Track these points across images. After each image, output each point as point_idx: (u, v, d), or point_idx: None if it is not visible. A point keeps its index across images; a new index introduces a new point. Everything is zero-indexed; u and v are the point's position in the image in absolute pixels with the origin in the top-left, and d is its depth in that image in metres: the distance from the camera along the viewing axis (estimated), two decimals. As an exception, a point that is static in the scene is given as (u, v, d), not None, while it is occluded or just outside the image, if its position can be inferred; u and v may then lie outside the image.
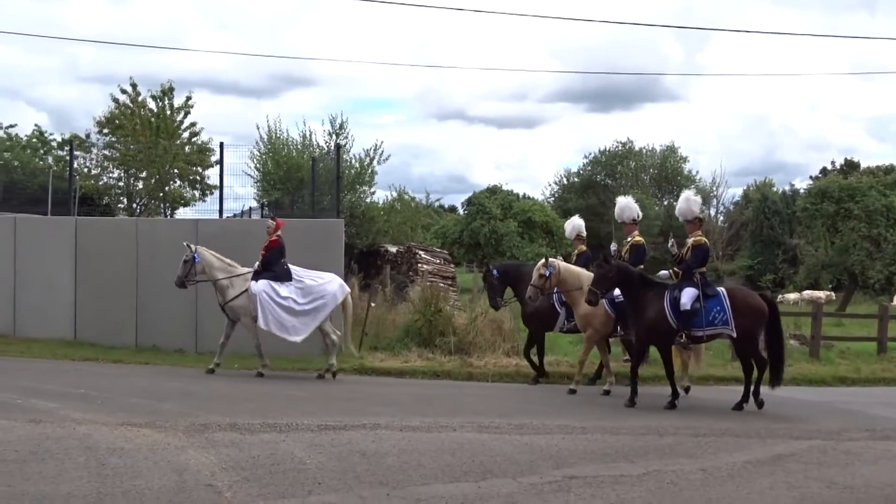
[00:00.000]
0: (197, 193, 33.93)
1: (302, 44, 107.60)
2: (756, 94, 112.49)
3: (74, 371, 12.41)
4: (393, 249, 26.10)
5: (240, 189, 29.54)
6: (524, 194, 73.96)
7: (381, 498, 6.40)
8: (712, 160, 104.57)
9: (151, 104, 32.63)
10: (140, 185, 32.88)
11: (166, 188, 31.59)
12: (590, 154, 79.47)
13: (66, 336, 14.90)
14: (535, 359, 13.29)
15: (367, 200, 28.54)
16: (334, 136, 27.28)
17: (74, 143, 27.59)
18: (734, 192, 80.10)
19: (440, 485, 6.83)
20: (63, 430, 8.19)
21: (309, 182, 20.14)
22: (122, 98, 33.04)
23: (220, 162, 17.27)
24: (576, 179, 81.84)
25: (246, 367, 13.64)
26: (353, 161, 27.28)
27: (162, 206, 31.98)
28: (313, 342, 14.31)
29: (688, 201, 11.91)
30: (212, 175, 30.37)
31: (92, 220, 17.71)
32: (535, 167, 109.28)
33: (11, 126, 39.80)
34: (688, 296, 11.05)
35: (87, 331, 15.11)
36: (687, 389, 12.13)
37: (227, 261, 13.24)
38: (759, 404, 11.18)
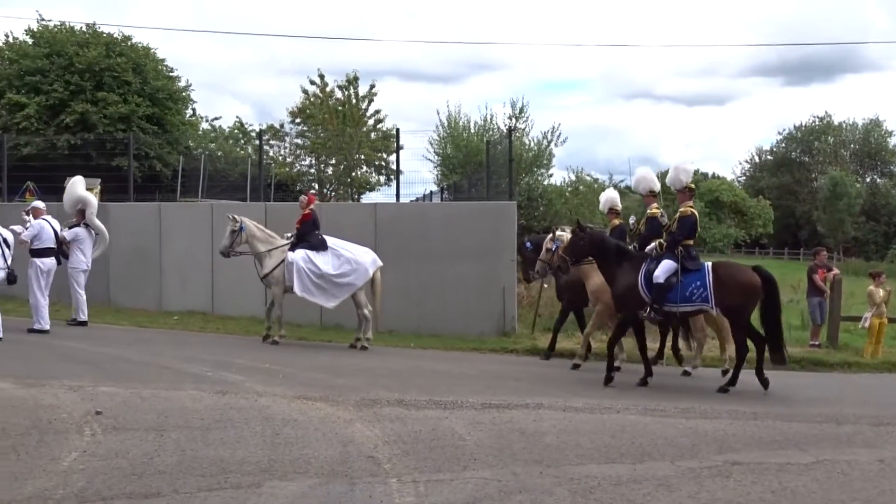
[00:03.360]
0: (382, 179, 35.12)
1: (487, 29, 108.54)
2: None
3: (262, 347, 13.19)
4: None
5: (427, 174, 30.38)
6: (713, 174, 71.47)
7: (534, 475, 6.47)
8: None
9: (339, 94, 33.98)
10: (329, 171, 34.41)
11: (353, 174, 32.85)
12: (784, 130, 75.39)
13: (257, 314, 15.82)
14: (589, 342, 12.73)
15: (545, 183, 28.55)
16: (513, 120, 27.41)
17: (267, 133, 29.21)
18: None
19: (595, 465, 6.82)
20: (245, 402, 8.78)
21: (486, 165, 20.37)
22: (312, 89, 34.61)
23: (397, 147, 17.78)
24: (769, 157, 78.06)
25: (421, 345, 14.07)
26: (532, 144, 27.34)
27: (349, 191, 33.30)
28: (481, 326, 14.60)
29: (677, 170, 11.32)
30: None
31: (279, 206, 18.75)
32: (725, 145, 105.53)
33: (216, 119, 42.69)
34: (663, 269, 10.53)
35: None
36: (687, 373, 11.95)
37: (269, 232, 13.88)
38: (764, 384, 10.57)
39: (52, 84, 31.91)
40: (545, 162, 28.24)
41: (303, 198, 14.20)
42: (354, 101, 34.24)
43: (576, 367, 11.99)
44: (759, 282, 10.63)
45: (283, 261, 13.41)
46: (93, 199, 15.03)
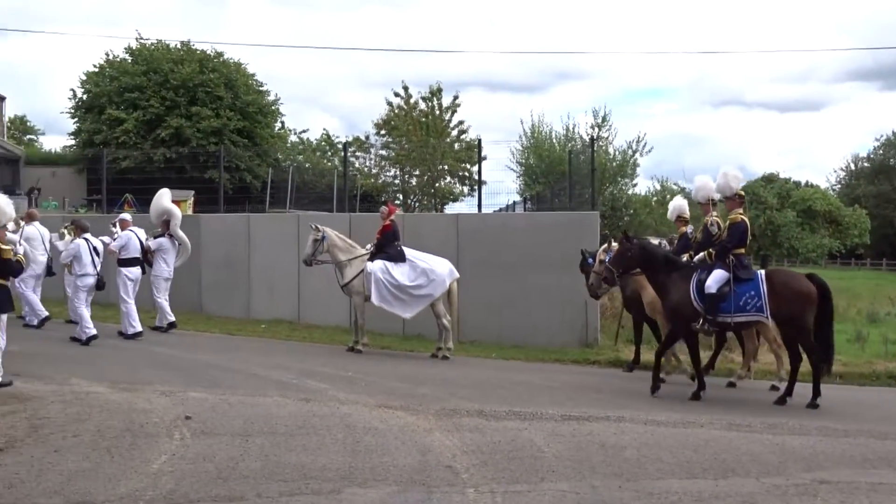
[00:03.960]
0: (466, 189, 35.26)
1: (572, 38, 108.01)
2: None
3: (346, 355, 13.39)
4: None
5: (510, 184, 30.40)
6: (806, 182, 69.39)
7: (612, 489, 6.41)
8: None
9: (422, 105, 34.32)
10: (413, 181, 34.74)
11: (437, 184, 33.08)
12: (882, 136, 72.71)
13: (341, 323, 16.09)
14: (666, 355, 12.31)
15: (629, 192, 28.23)
16: (596, 129, 27.22)
17: (353, 145, 29.65)
18: None
19: (676, 480, 6.71)
20: (328, 409, 8.94)
21: (569, 175, 20.30)
22: (396, 101, 35.05)
23: (479, 157, 17.85)
24: (865, 164, 75.44)
25: (503, 356, 14.07)
26: (615, 153, 27.10)
27: (433, 201, 33.54)
28: (564, 337, 14.55)
29: (726, 177, 10.91)
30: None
31: (363, 216, 19.01)
32: (819, 153, 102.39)
33: (304, 131, 43.69)
34: (715, 279, 10.23)
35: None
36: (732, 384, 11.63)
37: (350, 242, 14.08)
38: (815, 394, 10.16)
39: (148, 100, 33.16)
40: (629, 171, 27.91)
41: (383, 209, 14.39)
42: (438, 112, 34.53)
43: (655, 388, 11.78)
44: (814, 290, 10.33)
45: (362, 270, 13.61)
46: (177, 211, 15.54)
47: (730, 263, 10.41)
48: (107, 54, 36.62)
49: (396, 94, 35.21)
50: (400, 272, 13.45)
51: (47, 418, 8.13)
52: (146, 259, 14.82)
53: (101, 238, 14.16)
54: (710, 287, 10.28)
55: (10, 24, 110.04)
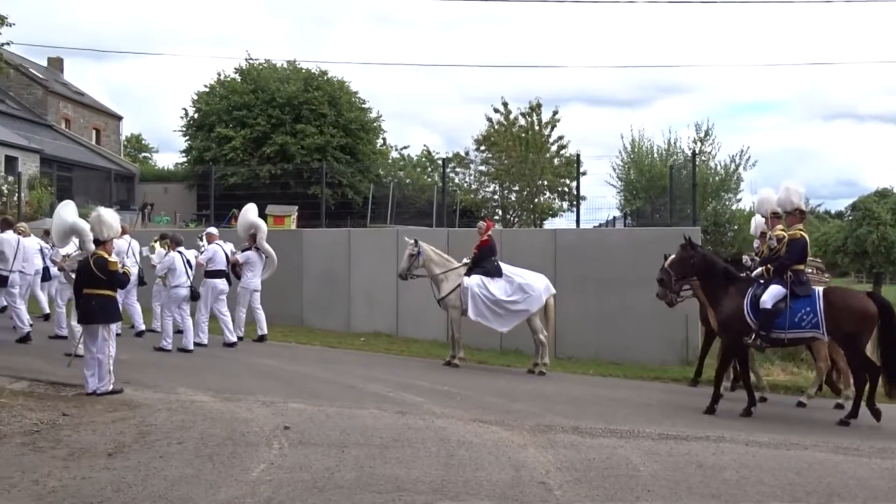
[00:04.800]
0: (565, 204, 35.03)
1: (675, 51, 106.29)
2: None
3: (442, 369, 13.46)
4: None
5: (611, 199, 30.13)
6: (922, 197, 66.13)
7: (709, 511, 6.25)
8: None
9: (522, 121, 34.30)
10: (513, 197, 34.73)
11: (536, 200, 32.98)
12: None
13: (439, 337, 16.19)
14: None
15: (733, 207, 27.55)
16: (698, 143, 26.70)
17: (452, 161, 29.86)
18: None
19: (777, 503, 6.49)
20: (423, 422, 9.00)
21: (669, 190, 19.95)
22: (496, 117, 35.14)
23: (577, 172, 17.71)
24: None
25: (600, 372, 13.90)
26: (718, 168, 26.52)
27: (532, 216, 33.45)
28: (663, 354, 14.30)
29: (788, 191, 10.63)
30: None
31: (461, 231, 19.11)
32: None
33: (405, 147, 44.25)
34: (771, 294, 9.93)
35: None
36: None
37: (446, 256, 14.14)
38: (876, 415, 9.78)
39: (255, 118, 34.20)
40: (732, 186, 27.26)
41: (481, 224, 14.45)
42: (537, 127, 34.45)
43: (763, 399, 11.44)
44: (874, 308, 10.00)
45: (459, 285, 13.68)
46: (263, 225, 15.95)
47: (787, 279, 10.21)
48: (218, 74, 38.04)
49: (496, 110, 35.32)
50: (496, 287, 13.47)
51: (154, 425, 8.44)
52: (234, 272, 15.30)
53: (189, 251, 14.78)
54: (766, 302, 10.13)
55: (127, 47, 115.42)
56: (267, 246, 15.76)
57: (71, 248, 12.82)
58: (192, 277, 14.19)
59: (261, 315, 15.71)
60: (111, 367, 10.07)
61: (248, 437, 8.07)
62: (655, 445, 8.35)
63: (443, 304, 14.02)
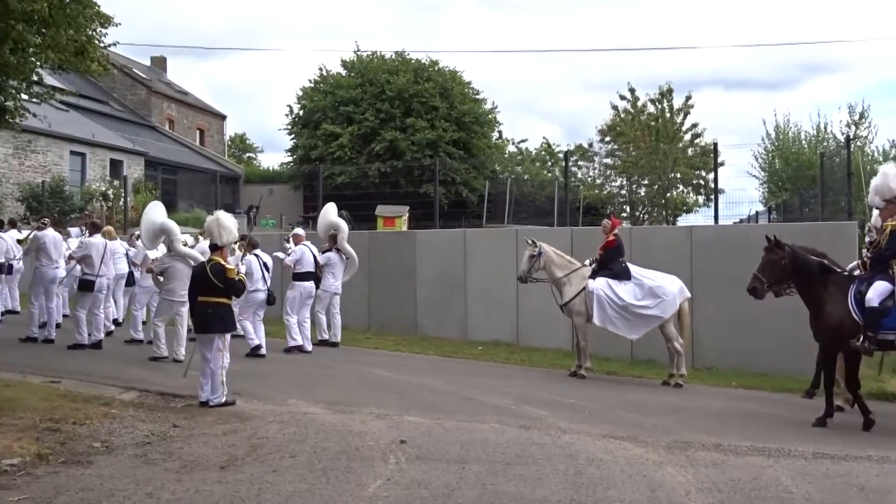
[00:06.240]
0: (700, 199, 34.35)
1: (822, 26, 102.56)
2: None
3: (567, 381, 13.41)
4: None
5: (753, 192, 29.42)
6: None
7: (874, 539, 6.04)
8: None
9: (651, 108, 33.84)
10: (642, 192, 34.28)
11: (668, 194, 32.45)
12: None
13: (563, 346, 16.13)
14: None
15: (896, 198, 26.41)
16: (853, 127, 25.74)
17: (575, 154, 29.71)
18: None
19: (954, 533, 6.21)
20: (548, 438, 9.00)
21: (820, 181, 19.36)
22: (622, 104, 34.78)
23: (715, 163, 17.35)
24: None
25: (743, 385, 13.57)
26: (876, 154, 25.51)
27: (664, 213, 32.92)
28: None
29: (886, 176, 10.11)
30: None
31: (586, 230, 18.93)
32: None
33: (522, 141, 44.28)
34: (876, 291, 9.44)
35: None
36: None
37: (568, 258, 13.98)
38: None
39: (363, 113, 34.90)
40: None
41: (606, 222, 14.31)
42: (668, 115, 33.90)
43: (839, 409, 10.92)
44: None
45: (583, 289, 13.59)
46: (343, 225, 16.27)
47: (893, 274, 9.78)
48: (320, 69, 38.95)
49: (622, 97, 34.98)
50: (625, 290, 13.31)
51: (266, 438, 8.74)
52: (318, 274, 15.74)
53: (275, 253, 15.37)
54: (872, 300, 9.72)
55: (229, 43, 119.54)
56: (348, 247, 16.10)
57: (156, 252, 13.51)
58: (269, 281, 14.68)
59: (338, 320, 16.14)
60: (224, 379, 10.44)
61: (363, 451, 8.25)
62: (809, 465, 8.12)
63: (566, 310, 13.95)
